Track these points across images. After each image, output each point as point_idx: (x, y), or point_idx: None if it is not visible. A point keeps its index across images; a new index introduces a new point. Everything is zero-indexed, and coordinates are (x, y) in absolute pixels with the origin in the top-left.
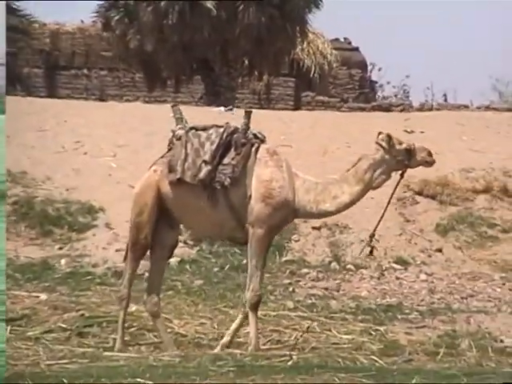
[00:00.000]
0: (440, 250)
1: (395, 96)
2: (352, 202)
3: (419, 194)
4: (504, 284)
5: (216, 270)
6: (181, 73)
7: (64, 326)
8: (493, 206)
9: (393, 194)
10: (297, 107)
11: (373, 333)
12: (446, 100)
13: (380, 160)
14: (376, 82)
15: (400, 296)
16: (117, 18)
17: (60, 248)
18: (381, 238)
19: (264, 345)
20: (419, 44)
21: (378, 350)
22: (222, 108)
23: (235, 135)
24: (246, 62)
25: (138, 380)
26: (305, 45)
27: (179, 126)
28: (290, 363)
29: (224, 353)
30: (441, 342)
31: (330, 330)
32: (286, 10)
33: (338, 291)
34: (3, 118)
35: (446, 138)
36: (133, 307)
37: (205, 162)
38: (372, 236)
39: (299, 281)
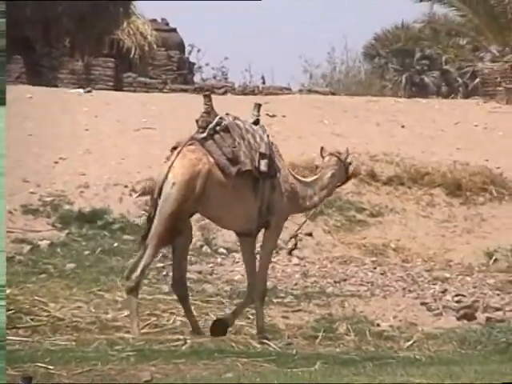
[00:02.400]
0: (310, 234)
1: (214, 78)
2: (320, 204)
3: None
4: (375, 268)
5: (87, 253)
6: None
7: None
8: (360, 191)
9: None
10: (117, 88)
11: (250, 316)
12: (264, 82)
13: (338, 170)
14: (194, 64)
15: (274, 280)
16: None
17: None
18: None
19: (143, 329)
20: (237, 26)
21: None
22: (81, 90)
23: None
24: (67, 41)
25: (39, 365)
26: (125, 25)
27: (220, 116)
28: (184, 348)
29: (116, 337)
30: (318, 325)
31: (207, 314)
32: None
33: (211, 275)
34: None
35: (307, 121)
36: (7, 290)
37: (262, 154)
38: (293, 237)
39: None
